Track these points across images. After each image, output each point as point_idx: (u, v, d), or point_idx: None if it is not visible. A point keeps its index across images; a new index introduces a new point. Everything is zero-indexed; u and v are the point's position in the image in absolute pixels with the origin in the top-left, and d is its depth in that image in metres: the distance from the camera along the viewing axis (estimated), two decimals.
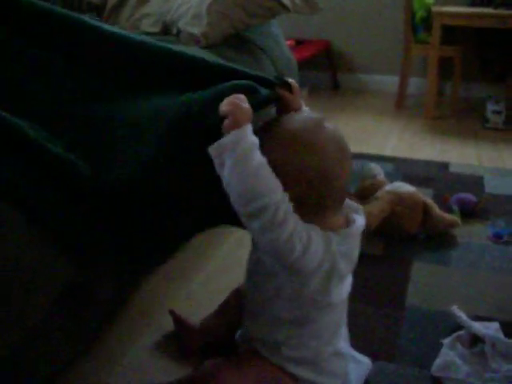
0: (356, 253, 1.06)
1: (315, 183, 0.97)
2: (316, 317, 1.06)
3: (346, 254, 1.02)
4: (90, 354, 1.30)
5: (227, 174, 0.93)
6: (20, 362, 0.96)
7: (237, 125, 0.94)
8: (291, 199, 0.95)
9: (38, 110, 1.07)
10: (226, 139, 0.94)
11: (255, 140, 0.95)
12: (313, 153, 0.98)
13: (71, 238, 0.96)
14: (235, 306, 1.26)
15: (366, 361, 1.22)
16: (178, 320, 1.35)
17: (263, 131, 1.02)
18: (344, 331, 1.17)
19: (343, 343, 1.15)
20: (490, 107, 3.28)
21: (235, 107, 0.95)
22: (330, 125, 1.02)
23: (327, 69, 4.28)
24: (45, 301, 0.93)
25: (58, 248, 0.94)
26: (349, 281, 1.10)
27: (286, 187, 0.95)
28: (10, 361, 0.92)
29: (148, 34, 1.91)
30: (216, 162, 0.95)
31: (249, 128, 0.95)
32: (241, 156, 0.92)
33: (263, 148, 0.96)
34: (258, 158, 0.93)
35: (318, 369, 1.09)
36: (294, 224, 0.94)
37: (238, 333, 1.21)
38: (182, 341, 1.33)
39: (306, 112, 1.08)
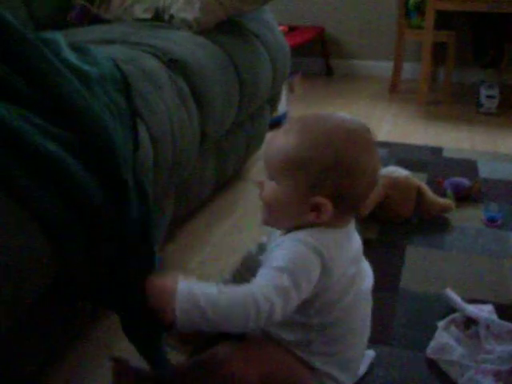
0: (354, 251, 1.08)
1: (360, 178, 0.98)
2: (334, 321, 1.05)
3: (346, 254, 1.03)
4: (85, 339, 1.30)
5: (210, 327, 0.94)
6: (10, 350, 0.96)
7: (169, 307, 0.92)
8: (335, 197, 0.97)
9: None
10: (180, 319, 0.92)
11: (190, 293, 0.92)
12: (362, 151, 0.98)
13: (63, 232, 0.95)
14: None
15: (369, 353, 1.23)
16: None
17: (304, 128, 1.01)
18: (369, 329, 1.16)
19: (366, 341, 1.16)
20: (484, 92, 3.28)
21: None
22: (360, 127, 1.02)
23: (320, 55, 4.27)
24: (35, 289, 0.92)
25: (46, 238, 0.92)
26: (365, 276, 1.12)
27: (331, 184, 0.97)
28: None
29: (140, 20, 1.90)
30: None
31: (178, 294, 0.91)
32: (203, 318, 0.91)
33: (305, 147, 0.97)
34: (208, 300, 0.91)
35: (339, 364, 1.09)
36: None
37: None
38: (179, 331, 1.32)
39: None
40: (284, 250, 0.97)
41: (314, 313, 1.03)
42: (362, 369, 1.19)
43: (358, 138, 0.99)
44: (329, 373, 1.08)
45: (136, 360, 1.11)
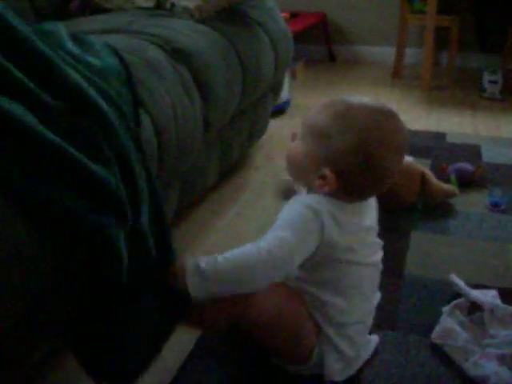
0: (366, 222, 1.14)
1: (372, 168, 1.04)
2: (334, 275, 1.10)
3: (350, 225, 1.09)
4: None
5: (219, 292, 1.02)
6: (15, 341, 0.97)
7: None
8: (343, 177, 1.04)
9: None
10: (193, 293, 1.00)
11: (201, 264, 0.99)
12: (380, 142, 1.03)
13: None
14: None
15: (374, 338, 1.25)
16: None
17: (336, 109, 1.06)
18: (372, 307, 1.21)
19: (369, 317, 1.20)
20: (487, 77, 3.27)
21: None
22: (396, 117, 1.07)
23: (323, 41, 4.25)
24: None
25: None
26: (375, 248, 1.18)
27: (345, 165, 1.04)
28: (14, 331, 0.93)
29: (142, 9, 1.90)
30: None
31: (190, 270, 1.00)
32: (214, 285, 1.00)
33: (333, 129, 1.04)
34: (212, 269, 0.99)
35: (341, 331, 1.12)
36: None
37: None
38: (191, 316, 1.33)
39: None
40: (288, 210, 1.07)
41: (312, 266, 1.09)
42: (367, 353, 1.21)
43: (392, 143, 1.05)
44: (330, 336, 1.11)
45: None
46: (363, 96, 1.10)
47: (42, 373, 1.19)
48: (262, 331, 1.09)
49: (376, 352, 1.23)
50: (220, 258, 1.00)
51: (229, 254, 1.01)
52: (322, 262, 1.08)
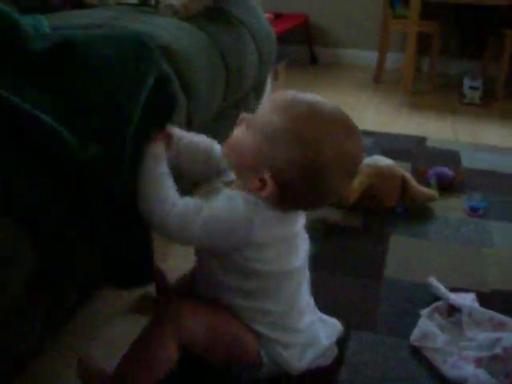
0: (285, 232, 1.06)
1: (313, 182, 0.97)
2: (266, 285, 1.06)
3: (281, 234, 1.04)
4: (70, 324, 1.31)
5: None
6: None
7: None
8: (283, 187, 0.97)
9: None
10: None
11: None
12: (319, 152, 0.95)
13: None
14: None
15: (333, 321, 1.20)
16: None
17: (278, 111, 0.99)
18: (306, 295, 1.16)
19: (306, 303, 1.15)
20: (467, 83, 3.31)
21: None
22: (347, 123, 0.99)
23: (305, 43, 4.26)
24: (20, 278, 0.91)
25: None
26: (301, 251, 1.10)
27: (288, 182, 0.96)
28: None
29: (126, 4, 1.88)
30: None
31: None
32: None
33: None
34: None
35: (273, 326, 1.09)
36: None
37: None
38: None
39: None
40: (224, 197, 1.01)
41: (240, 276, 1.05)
42: (328, 339, 1.16)
43: (346, 165, 0.97)
44: (265, 334, 1.08)
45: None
46: (332, 101, 1.02)
47: (27, 367, 1.18)
48: (202, 348, 1.06)
49: (342, 343, 1.21)
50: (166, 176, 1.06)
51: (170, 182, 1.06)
52: (251, 273, 1.04)
